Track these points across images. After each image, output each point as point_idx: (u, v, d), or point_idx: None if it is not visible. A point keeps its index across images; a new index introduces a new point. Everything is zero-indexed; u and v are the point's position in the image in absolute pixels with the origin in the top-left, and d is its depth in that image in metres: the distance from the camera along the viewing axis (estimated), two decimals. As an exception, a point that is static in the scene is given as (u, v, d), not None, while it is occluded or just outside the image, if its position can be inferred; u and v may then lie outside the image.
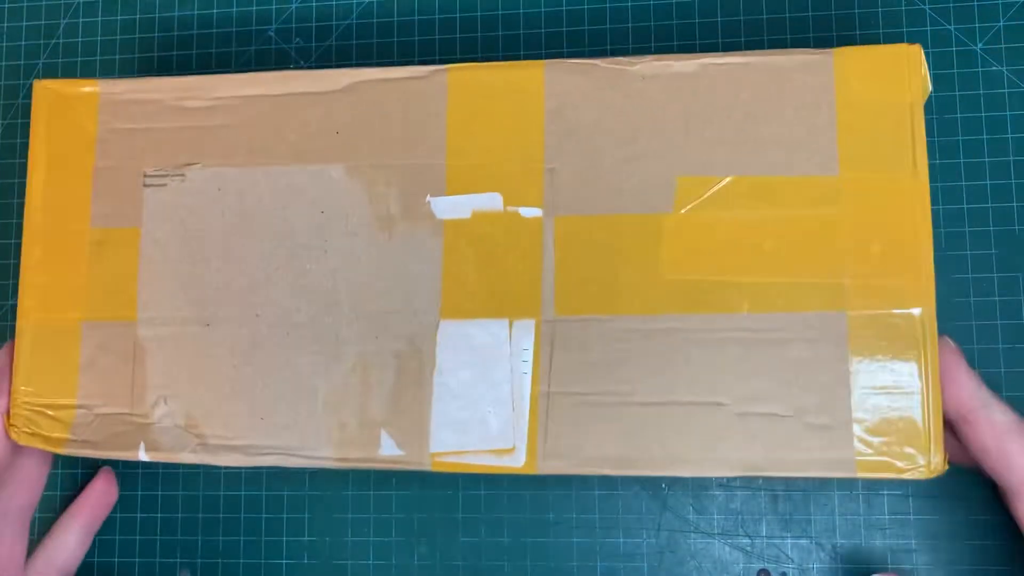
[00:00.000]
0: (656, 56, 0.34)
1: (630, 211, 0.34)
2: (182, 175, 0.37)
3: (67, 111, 0.37)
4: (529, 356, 0.34)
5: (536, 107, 0.35)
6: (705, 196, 0.33)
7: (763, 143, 0.33)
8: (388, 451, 0.34)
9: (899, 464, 0.31)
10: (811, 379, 0.32)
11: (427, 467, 0.34)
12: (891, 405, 0.32)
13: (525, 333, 0.34)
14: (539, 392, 0.34)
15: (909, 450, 0.31)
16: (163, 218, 0.37)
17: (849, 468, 0.32)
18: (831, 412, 0.32)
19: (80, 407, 0.36)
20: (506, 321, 0.34)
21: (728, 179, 0.33)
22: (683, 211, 0.33)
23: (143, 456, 0.35)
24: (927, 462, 0.31)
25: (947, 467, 0.31)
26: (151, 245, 0.37)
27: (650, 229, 0.34)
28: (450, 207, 0.35)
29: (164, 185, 0.37)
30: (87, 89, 0.38)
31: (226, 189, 0.36)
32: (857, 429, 0.32)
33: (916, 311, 0.32)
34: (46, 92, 0.37)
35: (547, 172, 0.34)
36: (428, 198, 0.35)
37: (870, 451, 0.32)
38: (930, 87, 0.33)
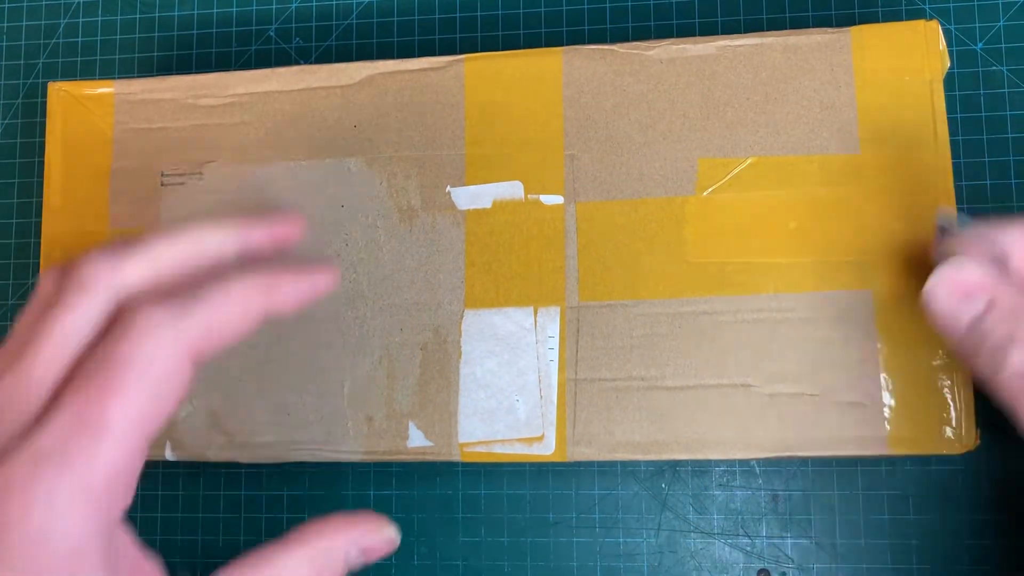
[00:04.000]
0: (673, 40, 0.34)
1: (652, 195, 0.34)
2: (200, 173, 0.37)
3: (82, 112, 0.37)
4: (555, 343, 0.34)
5: (554, 94, 0.35)
6: (727, 178, 0.33)
7: (783, 123, 0.33)
8: (416, 443, 0.34)
9: (930, 439, 0.31)
10: (839, 358, 0.32)
11: (456, 457, 0.34)
12: (920, 381, 0.32)
13: (550, 320, 0.34)
14: (566, 379, 0.33)
15: (939, 422, 0.31)
16: (182, 217, 0.36)
17: (880, 445, 0.32)
18: (860, 390, 0.32)
19: (103, 408, 0.36)
20: (531, 309, 0.34)
21: (750, 160, 0.33)
22: (705, 193, 0.33)
23: (169, 455, 0.35)
24: (958, 436, 0.31)
25: (979, 442, 0.31)
26: (170, 244, 0.36)
27: (673, 212, 0.34)
28: (471, 197, 0.35)
29: (182, 184, 0.37)
30: (101, 90, 0.37)
31: (244, 186, 0.36)
32: (886, 406, 0.32)
33: (942, 286, 0.32)
34: (60, 94, 0.37)
35: (567, 159, 0.34)
36: (448, 188, 0.35)
37: (901, 427, 0.31)
38: (948, 62, 0.33)
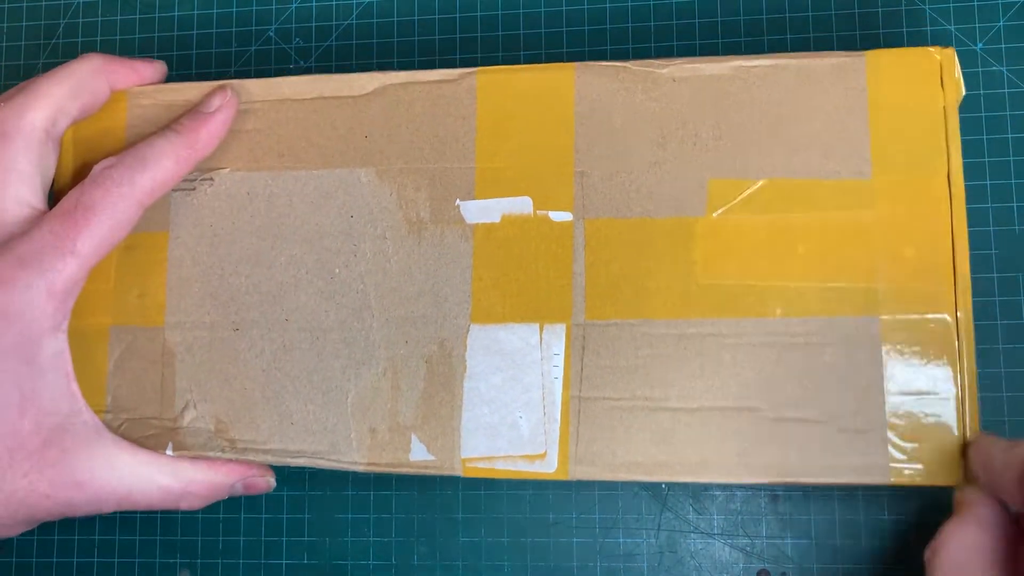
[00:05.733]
0: (686, 59, 0.34)
1: (661, 215, 0.34)
2: (211, 180, 0.37)
3: (94, 117, 0.37)
4: (560, 361, 0.34)
5: (566, 110, 0.35)
6: (737, 199, 0.33)
7: (796, 146, 0.33)
8: (418, 456, 0.34)
9: (935, 471, 0.31)
10: (845, 384, 0.32)
11: (458, 472, 0.34)
12: (926, 411, 0.31)
13: (556, 337, 0.34)
14: (570, 397, 0.33)
15: (944, 457, 0.31)
16: (192, 223, 0.37)
17: (883, 474, 0.31)
18: (865, 417, 0.32)
19: (108, 412, 0.36)
20: (536, 326, 0.34)
21: (761, 182, 0.33)
22: (715, 215, 0.33)
23: (170, 454, 0.35)
24: (963, 469, 0.31)
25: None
26: (180, 250, 0.37)
27: (682, 233, 0.33)
28: (480, 211, 0.35)
29: (193, 190, 0.37)
30: (115, 95, 0.38)
31: (255, 194, 0.36)
32: (891, 435, 0.32)
33: (950, 316, 0.32)
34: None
35: (577, 175, 0.34)
36: (458, 202, 0.35)
37: (904, 457, 0.31)
38: (963, 90, 0.33)
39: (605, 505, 0.39)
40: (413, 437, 0.34)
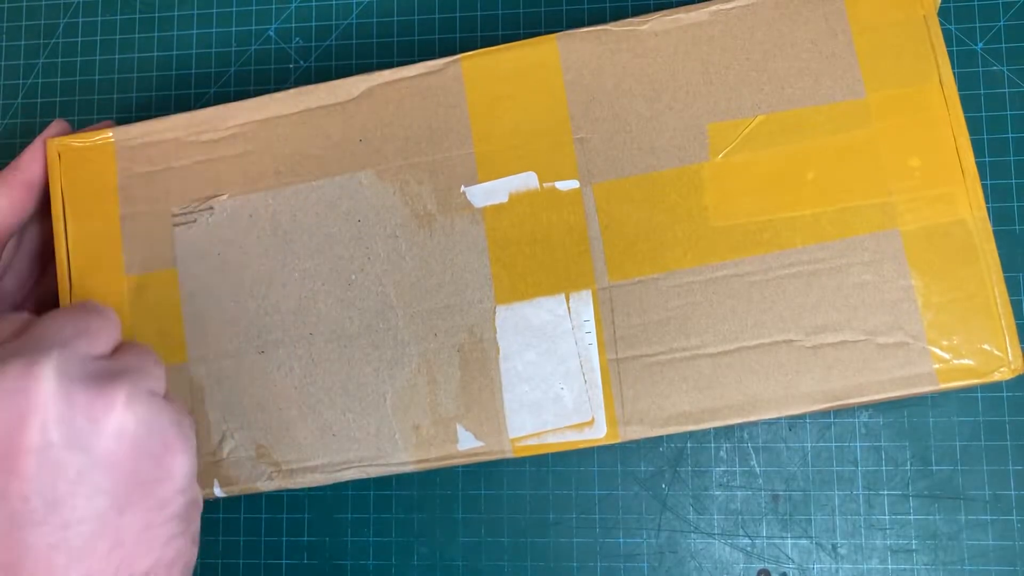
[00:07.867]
0: (664, 12, 0.35)
1: (667, 167, 0.34)
2: (211, 208, 0.36)
3: (84, 164, 0.37)
4: (591, 327, 0.33)
5: (555, 80, 0.35)
6: (738, 139, 0.33)
7: (786, 78, 0.34)
8: (467, 445, 0.34)
9: (979, 368, 0.31)
10: (876, 300, 0.32)
11: (509, 454, 0.33)
12: (960, 311, 0.32)
13: (583, 304, 0.34)
14: (608, 360, 0.33)
15: (987, 347, 0.31)
16: (198, 255, 0.36)
17: (931, 381, 0.32)
18: (902, 329, 0.32)
19: (145, 456, 0.35)
20: (562, 296, 0.34)
21: (758, 118, 0.33)
22: (719, 157, 0.34)
23: (219, 493, 0.35)
24: (1008, 357, 0.31)
25: None
26: (191, 283, 0.36)
27: (690, 181, 0.34)
28: (486, 193, 0.35)
29: (194, 221, 0.36)
30: (101, 139, 0.37)
31: (257, 215, 0.36)
32: (931, 341, 0.32)
33: (966, 215, 0.32)
34: (60, 148, 0.37)
35: (577, 143, 0.34)
36: (463, 188, 0.35)
37: (949, 357, 0.32)
38: None
39: (605, 505, 0.39)
40: (458, 427, 0.34)
